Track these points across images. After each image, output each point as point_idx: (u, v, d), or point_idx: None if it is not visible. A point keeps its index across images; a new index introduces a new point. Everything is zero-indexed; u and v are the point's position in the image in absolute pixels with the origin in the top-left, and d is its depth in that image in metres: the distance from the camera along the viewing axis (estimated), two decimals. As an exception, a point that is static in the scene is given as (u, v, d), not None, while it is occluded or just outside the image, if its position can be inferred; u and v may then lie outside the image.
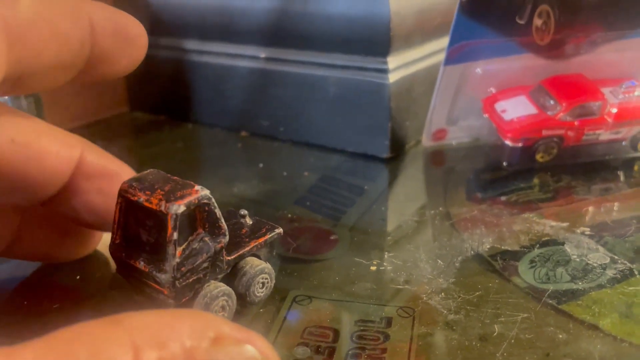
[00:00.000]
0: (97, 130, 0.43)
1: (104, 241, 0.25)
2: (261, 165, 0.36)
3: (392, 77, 0.34)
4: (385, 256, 0.25)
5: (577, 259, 0.24)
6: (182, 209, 0.18)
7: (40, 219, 0.24)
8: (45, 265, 0.25)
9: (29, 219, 0.23)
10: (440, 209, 0.29)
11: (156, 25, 0.43)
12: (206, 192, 0.19)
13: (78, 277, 0.24)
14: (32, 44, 0.17)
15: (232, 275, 0.21)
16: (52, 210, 0.23)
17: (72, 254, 0.25)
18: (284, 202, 0.30)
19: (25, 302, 0.22)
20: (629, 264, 0.23)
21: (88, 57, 0.19)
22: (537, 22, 0.32)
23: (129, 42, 0.20)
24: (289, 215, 0.29)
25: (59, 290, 0.23)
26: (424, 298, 0.22)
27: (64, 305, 0.22)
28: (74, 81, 0.20)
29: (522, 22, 0.32)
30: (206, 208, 0.19)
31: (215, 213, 0.19)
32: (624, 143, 0.33)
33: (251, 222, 0.22)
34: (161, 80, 0.44)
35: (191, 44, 0.42)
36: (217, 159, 0.38)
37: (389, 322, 0.21)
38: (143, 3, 0.43)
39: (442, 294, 0.22)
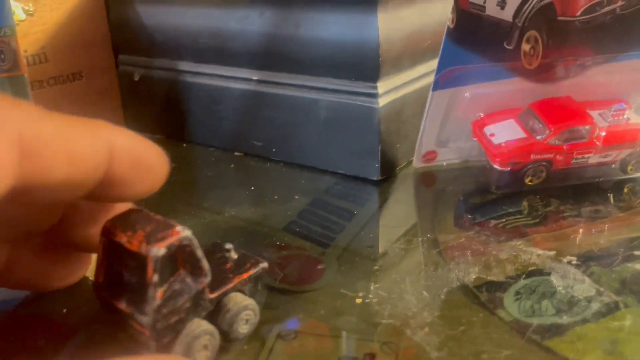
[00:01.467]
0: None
1: (91, 271, 0.25)
2: (253, 188, 0.36)
3: (382, 101, 0.34)
4: (372, 287, 0.25)
5: (563, 291, 0.24)
6: (162, 251, 0.18)
7: (30, 249, 0.24)
8: (32, 297, 0.25)
9: (19, 250, 0.23)
10: (429, 235, 0.29)
11: (151, 47, 0.44)
12: (187, 233, 0.19)
13: (65, 310, 0.24)
14: (44, 161, 0.17)
15: (216, 312, 0.21)
16: (49, 236, 0.23)
17: (61, 282, 0.25)
18: (273, 228, 0.30)
19: (12, 338, 0.23)
20: (614, 296, 0.23)
21: (101, 179, 0.19)
22: (525, 47, 0.32)
23: (148, 171, 0.20)
24: (278, 243, 0.29)
25: (45, 324, 0.24)
26: (408, 333, 0.22)
27: (49, 340, 0.22)
28: (84, 199, 0.20)
29: (510, 47, 0.32)
30: (187, 249, 0.19)
31: (196, 254, 0.19)
32: (613, 166, 0.33)
33: (236, 257, 0.22)
34: (156, 101, 0.45)
35: (185, 66, 0.42)
36: (210, 180, 0.38)
37: (372, 358, 0.21)
38: (138, 24, 0.43)
39: (427, 328, 0.22)
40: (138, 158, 0.20)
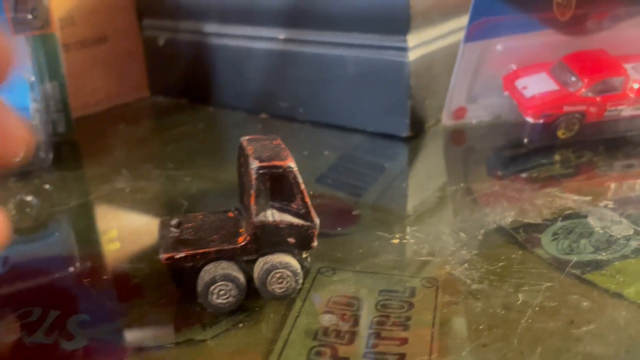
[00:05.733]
0: (119, 114, 0.44)
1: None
2: (281, 145, 0.36)
3: (412, 55, 0.34)
4: (408, 230, 0.25)
5: (601, 231, 0.24)
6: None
7: None
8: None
9: None
10: (462, 185, 0.29)
11: (175, 10, 0.44)
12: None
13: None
14: None
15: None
16: None
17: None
18: (305, 180, 0.30)
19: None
20: (653, 236, 0.23)
21: None
22: (559, -3, 0.32)
23: None
24: (311, 193, 0.29)
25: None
26: (448, 269, 0.22)
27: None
28: None
29: (543, -3, 0.32)
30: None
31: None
32: (647, 119, 0.33)
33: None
34: (181, 64, 0.45)
35: (210, 27, 0.42)
36: (238, 139, 0.38)
37: (412, 292, 0.21)
38: (162, -13, 0.44)
39: (466, 264, 0.22)
40: None
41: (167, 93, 0.47)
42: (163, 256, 0.20)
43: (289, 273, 0.20)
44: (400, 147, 0.35)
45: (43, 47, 0.35)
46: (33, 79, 0.34)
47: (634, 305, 0.19)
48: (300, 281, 0.21)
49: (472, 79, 0.35)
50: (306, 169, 0.32)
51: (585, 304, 0.19)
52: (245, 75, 0.41)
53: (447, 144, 0.35)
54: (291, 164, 0.20)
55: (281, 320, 0.20)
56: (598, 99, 0.32)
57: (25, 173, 0.32)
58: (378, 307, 0.20)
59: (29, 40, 0.34)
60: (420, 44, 0.34)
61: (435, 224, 0.25)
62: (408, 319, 0.19)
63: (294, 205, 0.20)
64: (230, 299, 0.20)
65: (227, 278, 0.20)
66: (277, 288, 0.20)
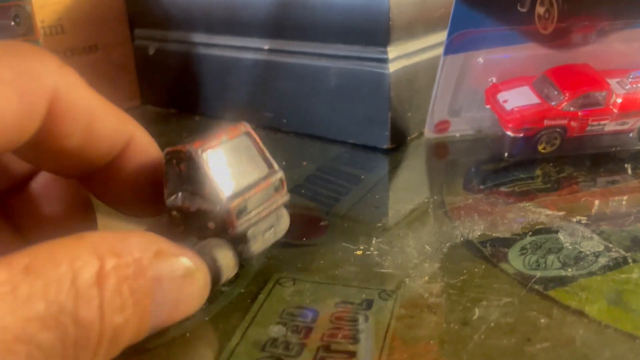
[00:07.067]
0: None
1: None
2: (261, 155, 0.35)
3: (392, 67, 0.33)
4: (373, 242, 0.24)
5: (570, 247, 0.23)
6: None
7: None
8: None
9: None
10: (435, 197, 0.28)
11: (165, 20, 0.44)
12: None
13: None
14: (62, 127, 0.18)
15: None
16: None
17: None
18: (279, 190, 0.30)
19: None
20: (623, 252, 0.23)
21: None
22: (540, 10, 0.31)
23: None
24: (283, 203, 0.29)
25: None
26: (407, 282, 0.21)
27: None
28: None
29: (523, 10, 0.31)
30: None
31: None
32: (631, 134, 0.32)
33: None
34: (170, 74, 0.45)
35: (198, 37, 0.42)
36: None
37: (369, 304, 0.20)
38: (153, -3, 0.44)
39: (426, 278, 0.21)
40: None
41: (157, 102, 0.47)
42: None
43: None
44: (380, 159, 0.34)
45: (26, 54, 0.35)
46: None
47: (594, 324, 0.19)
48: (225, 274, 0.20)
49: (454, 92, 0.34)
50: (282, 179, 0.32)
51: (543, 320, 0.19)
52: (231, 85, 0.41)
53: (427, 157, 0.35)
54: (197, 147, 0.19)
55: (231, 330, 0.19)
56: (580, 113, 0.31)
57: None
58: (332, 319, 0.20)
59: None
60: (401, 55, 0.34)
61: (402, 236, 0.25)
62: (360, 331, 0.19)
63: (206, 190, 0.19)
64: None
65: None
66: None
